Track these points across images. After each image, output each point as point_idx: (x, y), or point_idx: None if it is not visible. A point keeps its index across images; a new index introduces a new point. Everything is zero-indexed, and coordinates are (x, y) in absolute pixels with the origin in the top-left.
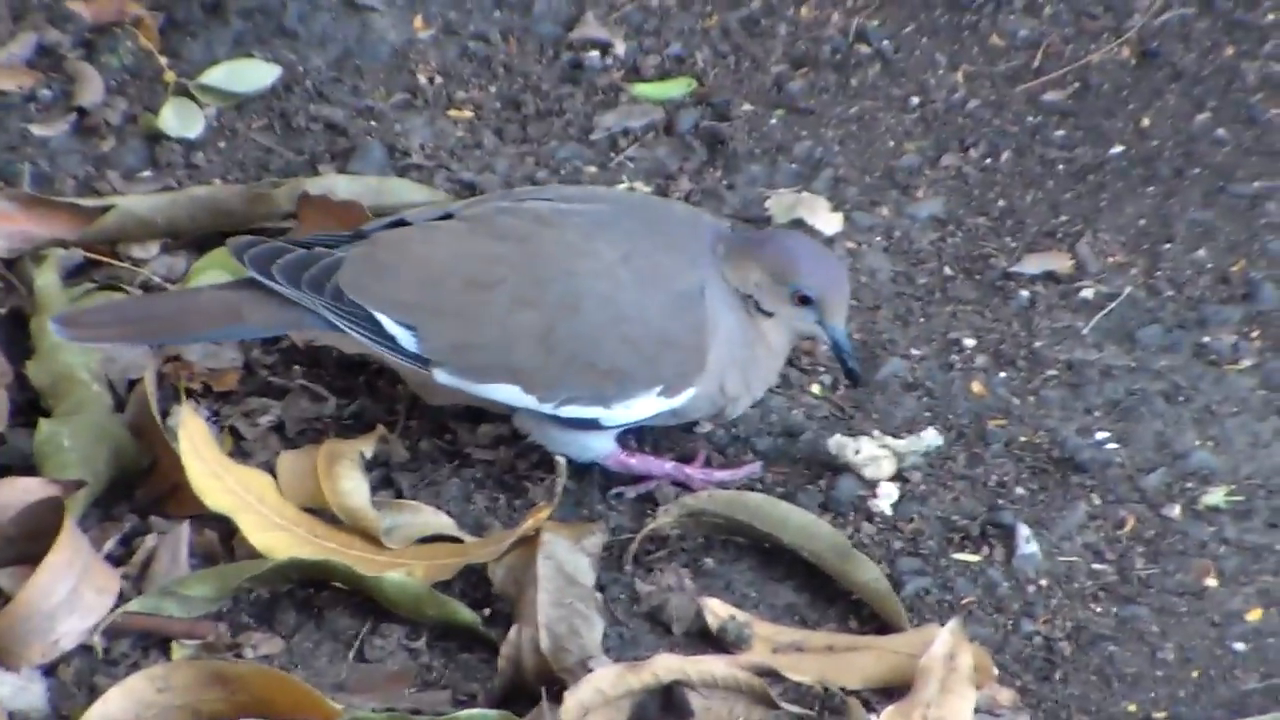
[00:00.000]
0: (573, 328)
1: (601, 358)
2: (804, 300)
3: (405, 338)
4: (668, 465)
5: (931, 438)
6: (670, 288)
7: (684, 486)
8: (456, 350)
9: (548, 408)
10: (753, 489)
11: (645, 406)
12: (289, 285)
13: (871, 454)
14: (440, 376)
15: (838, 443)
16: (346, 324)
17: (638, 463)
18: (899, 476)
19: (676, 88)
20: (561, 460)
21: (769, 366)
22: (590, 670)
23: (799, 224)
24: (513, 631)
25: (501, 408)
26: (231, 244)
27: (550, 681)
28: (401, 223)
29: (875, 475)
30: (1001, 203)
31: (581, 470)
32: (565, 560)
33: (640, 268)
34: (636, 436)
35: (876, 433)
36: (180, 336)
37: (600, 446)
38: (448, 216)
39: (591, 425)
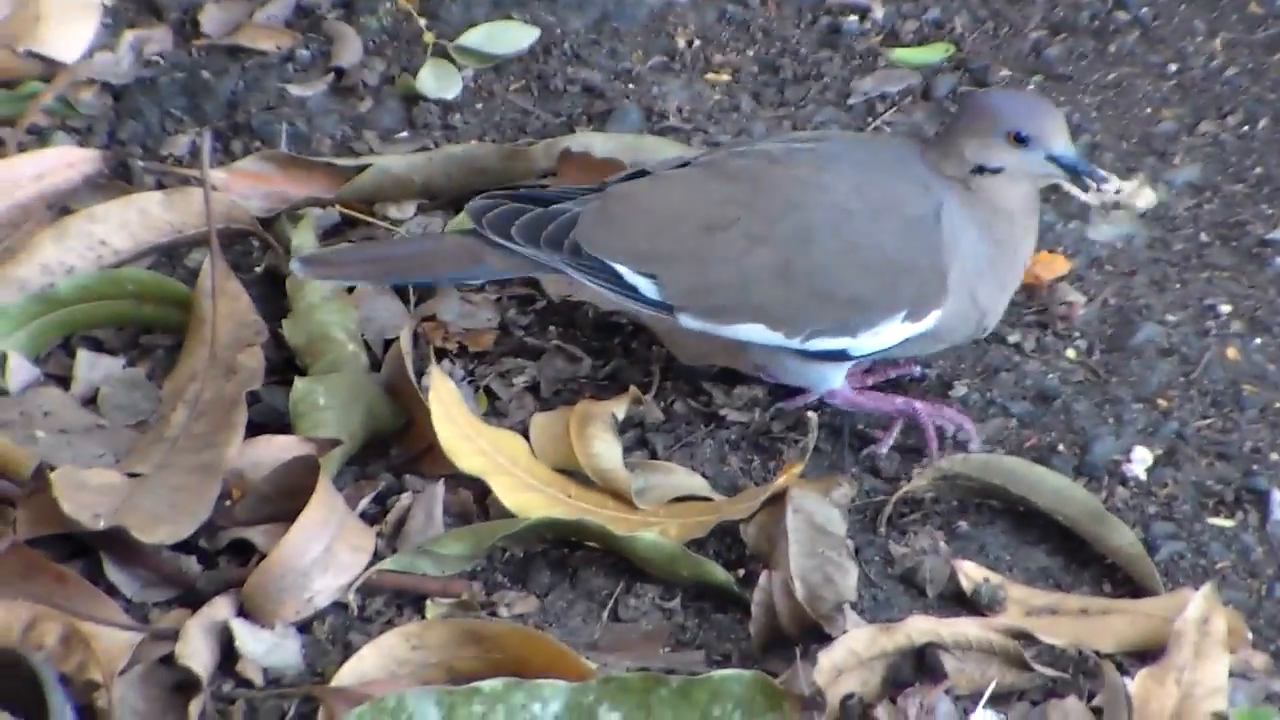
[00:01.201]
0: (809, 260)
1: (840, 288)
2: (1020, 140)
3: (646, 286)
4: (898, 401)
5: None
6: (902, 213)
7: (914, 423)
8: (697, 293)
9: (795, 342)
10: (1007, 452)
11: (892, 333)
12: (528, 245)
13: None
14: (685, 321)
15: None
16: (587, 278)
17: (868, 400)
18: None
19: (934, 53)
20: (813, 417)
21: (1020, 256)
22: (845, 616)
23: (1055, 190)
24: (763, 579)
25: (747, 352)
26: (469, 208)
27: (806, 630)
28: (641, 173)
29: None
30: (1258, 170)
31: (835, 431)
32: (815, 511)
33: (871, 197)
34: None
35: None
36: (420, 276)
37: (833, 379)
38: (684, 165)
39: (840, 356)
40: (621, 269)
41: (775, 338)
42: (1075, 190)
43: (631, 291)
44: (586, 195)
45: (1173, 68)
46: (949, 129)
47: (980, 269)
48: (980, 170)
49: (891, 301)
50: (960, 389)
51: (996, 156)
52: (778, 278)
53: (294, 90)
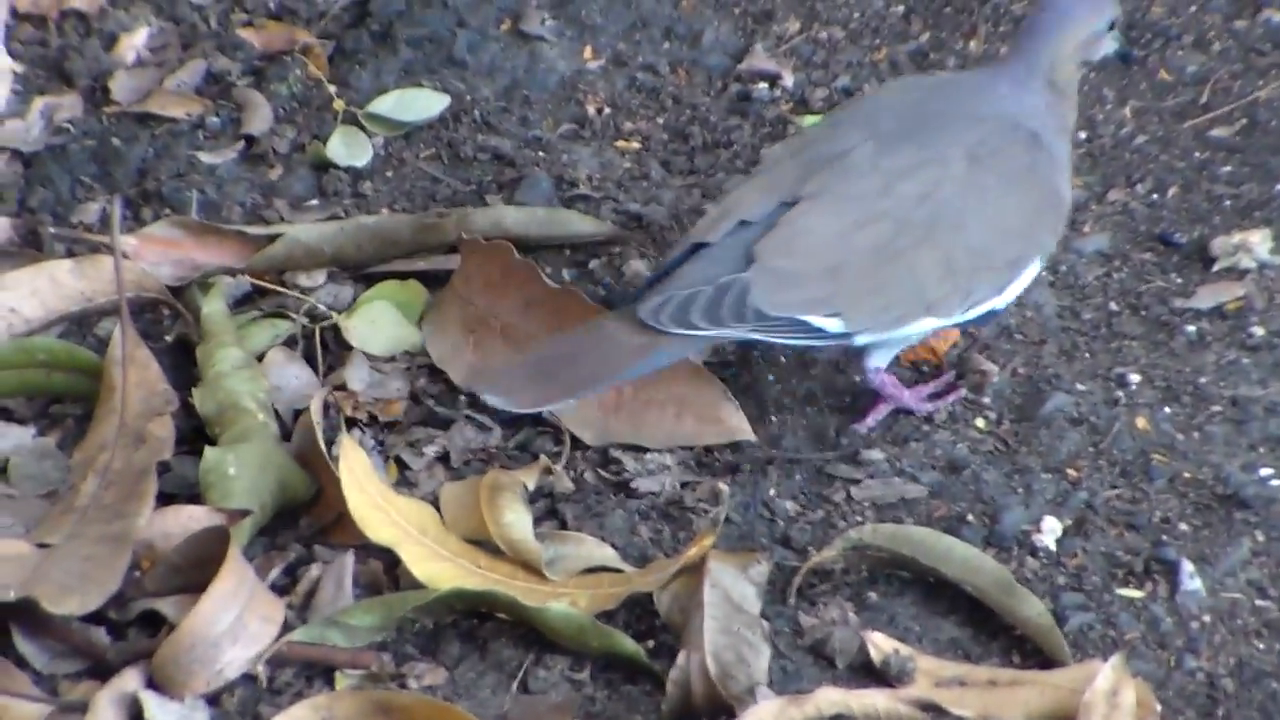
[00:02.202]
0: (966, 245)
1: (996, 257)
2: (1112, 26)
3: (833, 324)
4: (907, 393)
5: None
6: (1020, 162)
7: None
8: (877, 313)
9: (956, 318)
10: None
11: (1031, 274)
12: (714, 327)
13: None
14: (861, 339)
15: None
16: (772, 334)
17: (891, 384)
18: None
19: None
20: (725, 489)
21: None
22: (756, 698)
23: None
24: (681, 657)
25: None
26: (644, 314)
27: (717, 709)
28: (742, 224)
29: None
30: (1168, 238)
31: (746, 503)
32: (731, 588)
33: (988, 159)
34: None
35: None
36: (610, 380)
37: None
38: (790, 204)
39: (989, 318)
40: (809, 318)
41: (940, 322)
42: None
43: (818, 333)
44: (706, 253)
45: (1082, 135)
46: (1043, 38)
47: (1066, 182)
48: (1087, 63)
49: (1036, 247)
50: (872, 456)
51: (1104, 46)
52: (945, 271)
53: (204, 158)
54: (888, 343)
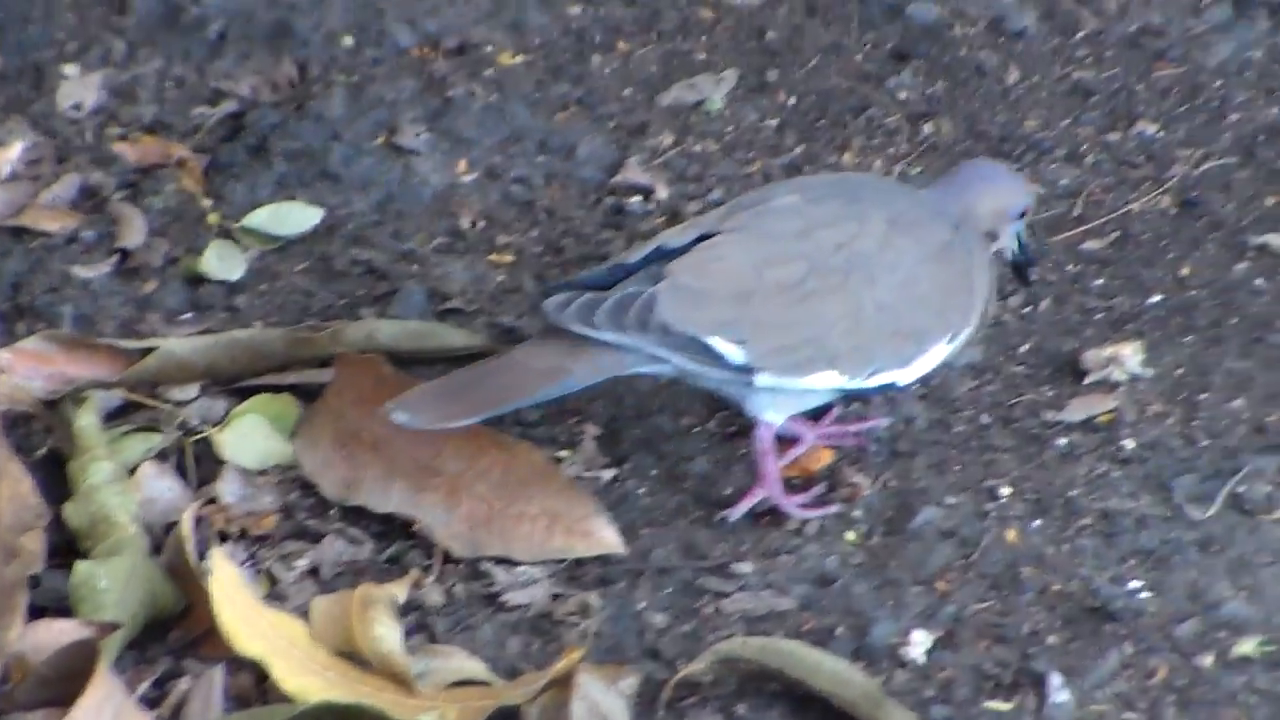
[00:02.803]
0: (876, 300)
1: (904, 322)
2: (1021, 216)
3: (735, 352)
4: (772, 476)
5: None
6: (937, 238)
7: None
8: (781, 351)
9: (857, 383)
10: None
11: (935, 356)
12: (615, 331)
13: None
14: (761, 380)
15: None
16: (673, 354)
17: (773, 460)
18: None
19: None
20: (595, 602)
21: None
22: None
23: None
24: None
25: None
26: (549, 305)
27: None
28: (660, 250)
29: None
30: (1039, 351)
31: (616, 616)
32: (600, 701)
33: (908, 227)
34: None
35: None
36: (515, 401)
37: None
38: (703, 236)
39: (889, 389)
40: (712, 340)
41: (841, 381)
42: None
43: (718, 360)
44: (629, 274)
45: None
46: (965, 189)
47: (986, 285)
48: (988, 235)
49: (944, 325)
50: (742, 569)
51: (1003, 230)
52: (852, 323)
53: (78, 271)
54: (786, 395)
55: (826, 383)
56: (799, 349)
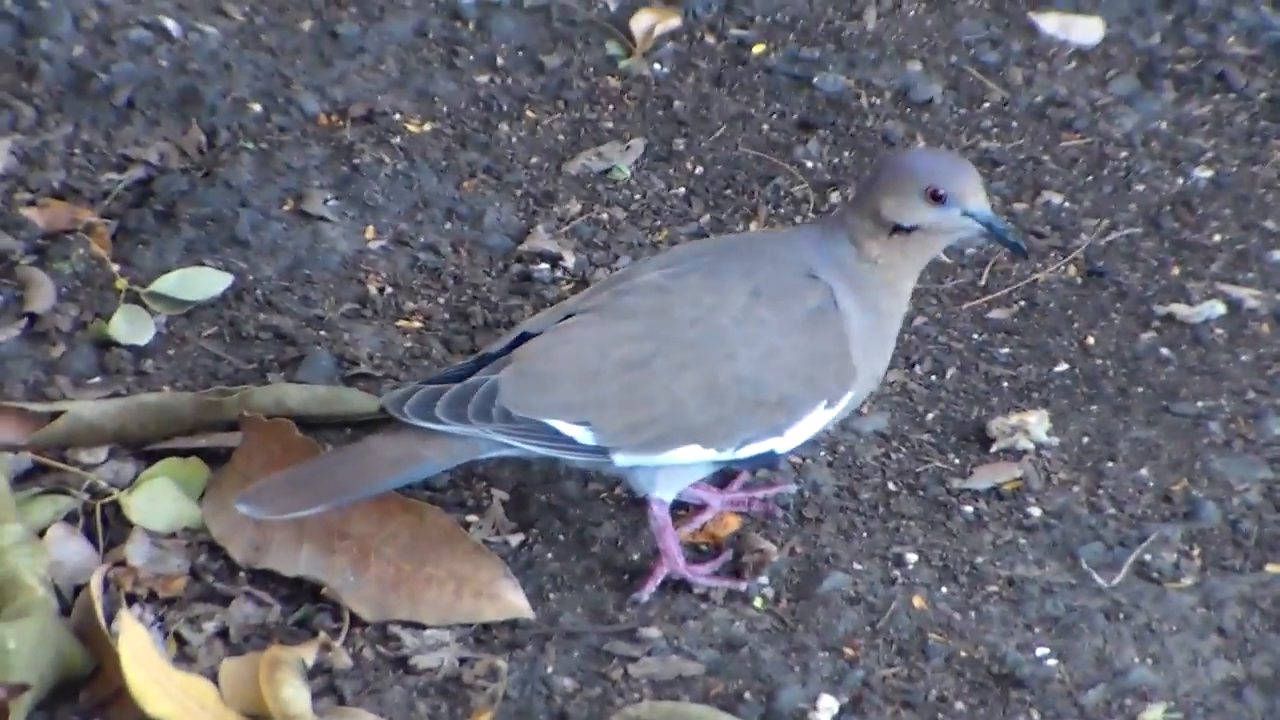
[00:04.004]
0: (734, 373)
1: (768, 392)
2: (938, 197)
3: (582, 434)
4: (674, 551)
5: None
6: (805, 305)
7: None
8: (632, 430)
9: (728, 455)
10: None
11: (814, 422)
12: (457, 423)
13: None
14: (620, 459)
15: None
16: (521, 440)
17: (670, 534)
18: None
19: None
20: (503, 666)
21: (898, 320)
22: None
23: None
24: None
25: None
26: (387, 400)
27: None
28: (525, 336)
29: None
30: (946, 419)
31: (524, 680)
32: None
33: (772, 296)
34: None
35: None
36: (365, 490)
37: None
38: (567, 317)
39: (768, 457)
40: (556, 423)
41: (709, 454)
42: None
43: (568, 443)
44: (490, 363)
45: None
46: (865, 190)
47: (872, 342)
48: (896, 229)
49: (815, 393)
50: (650, 634)
51: (913, 215)
52: (708, 397)
53: None
54: (665, 470)
55: (692, 456)
56: (649, 426)
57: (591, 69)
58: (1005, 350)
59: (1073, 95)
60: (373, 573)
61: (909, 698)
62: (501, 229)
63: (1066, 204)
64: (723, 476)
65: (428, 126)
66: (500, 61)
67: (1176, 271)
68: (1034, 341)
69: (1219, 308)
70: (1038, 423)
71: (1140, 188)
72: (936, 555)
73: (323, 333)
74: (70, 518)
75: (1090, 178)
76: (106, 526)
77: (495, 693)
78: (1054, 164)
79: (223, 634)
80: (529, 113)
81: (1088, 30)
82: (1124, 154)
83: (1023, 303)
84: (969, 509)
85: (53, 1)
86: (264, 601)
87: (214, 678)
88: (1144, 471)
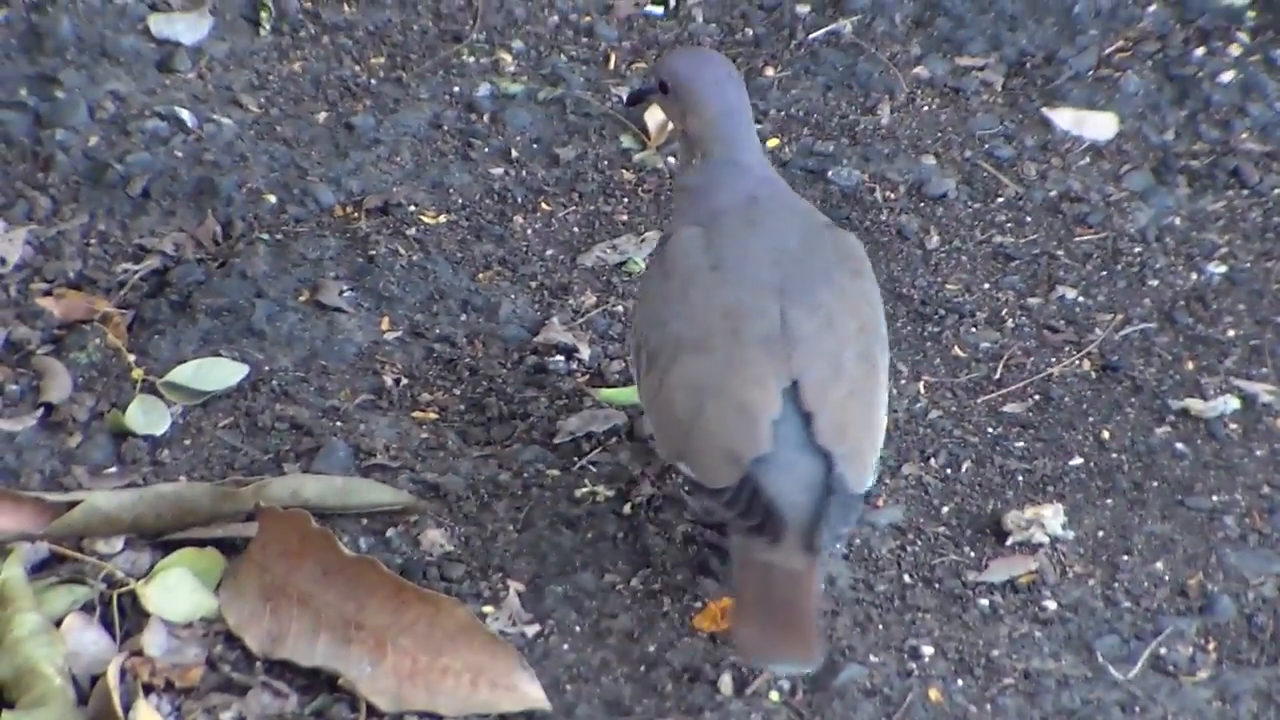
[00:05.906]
0: None
1: None
2: (664, 87)
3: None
4: None
5: None
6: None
7: None
8: None
9: None
10: None
11: None
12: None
13: None
14: None
15: None
16: None
17: None
18: None
19: (638, 394)
20: None
21: None
22: None
23: None
24: None
25: None
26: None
27: None
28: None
29: None
30: (961, 512)
31: None
32: None
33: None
34: None
35: None
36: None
37: None
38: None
39: None
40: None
41: None
42: None
43: None
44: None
45: None
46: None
47: None
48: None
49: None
50: None
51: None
52: None
53: (3, 425)
54: None
55: None
56: None
57: (606, 162)
58: (1020, 444)
59: (1087, 190)
60: (389, 663)
61: None
62: (517, 320)
63: (1081, 299)
64: None
65: (443, 218)
66: (515, 154)
67: (1191, 366)
68: (1049, 435)
69: (1233, 403)
70: (1053, 516)
71: (1154, 283)
72: (952, 648)
73: (339, 423)
74: (87, 607)
75: (1104, 272)
76: (123, 616)
77: None
78: (1068, 259)
79: None
80: (544, 205)
81: (1101, 126)
82: (1138, 249)
83: (1037, 397)
84: (985, 602)
85: (69, 92)
86: (281, 692)
87: None
88: (1159, 565)
